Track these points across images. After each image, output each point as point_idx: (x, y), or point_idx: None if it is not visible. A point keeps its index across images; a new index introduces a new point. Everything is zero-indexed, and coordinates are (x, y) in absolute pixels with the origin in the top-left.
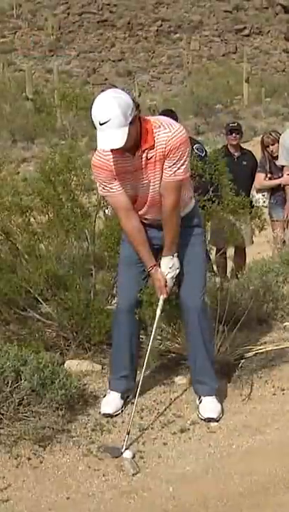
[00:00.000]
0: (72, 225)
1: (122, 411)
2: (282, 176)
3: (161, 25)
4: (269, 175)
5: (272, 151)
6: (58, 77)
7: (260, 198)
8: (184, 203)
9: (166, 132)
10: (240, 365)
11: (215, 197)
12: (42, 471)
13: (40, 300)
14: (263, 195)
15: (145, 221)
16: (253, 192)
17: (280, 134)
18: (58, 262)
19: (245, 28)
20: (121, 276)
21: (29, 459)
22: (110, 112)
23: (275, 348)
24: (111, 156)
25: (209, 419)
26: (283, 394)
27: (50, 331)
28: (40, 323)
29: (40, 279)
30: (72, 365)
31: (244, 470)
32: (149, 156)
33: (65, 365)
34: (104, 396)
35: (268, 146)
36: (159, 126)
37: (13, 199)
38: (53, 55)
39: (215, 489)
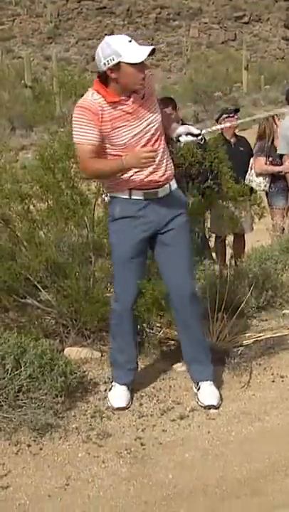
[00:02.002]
0: (71, 212)
1: (131, 402)
2: (281, 163)
3: (160, 12)
4: (270, 159)
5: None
6: (56, 65)
7: (261, 182)
8: (168, 166)
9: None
10: (239, 353)
11: (215, 184)
12: (41, 457)
13: (40, 287)
14: (265, 179)
15: (140, 184)
16: (252, 176)
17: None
18: (57, 249)
19: (244, 15)
20: (118, 277)
21: (29, 445)
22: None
23: (274, 335)
24: (104, 103)
25: (210, 407)
26: (282, 381)
27: (49, 318)
28: (39, 311)
29: (40, 267)
30: (72, 352)
31: (243, 457)
32: (143, 95)
33: (65, 352)
34: (107, 389)
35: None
36: None
37: (13, 186)
38: (51, 43)
39: (214, 476)
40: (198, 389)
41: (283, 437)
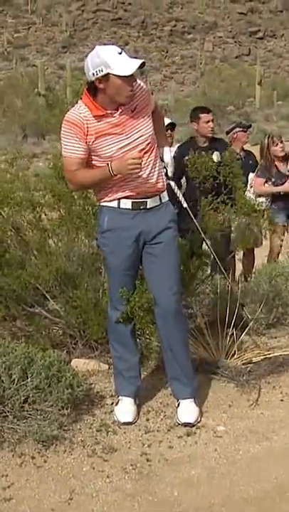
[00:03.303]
0: (83, 222)
1: (138, 416)
2: (284, 182)
3: (175, 25)
4: (269, 182)
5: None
6: (70, 74)
7: (263, 202)
8: (159, 178)
9: (139, 83)
10: (248, 370)
11: (229, 199)
12: (46, 470)
13: (48, 297)
14: (267, 199)
15: (129, 193)
16: (251, 195)
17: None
18: (67, 259)
19: (259, 30)
20: (114, 289)
21: (33, 457)
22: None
23: (284, 353)
24: (90, 116)
25: (186, 424)
26: None
27: (57, 328)
28: (47, 321)
29: (50, 276)
30: (79, 364)
31: (250, 476)
32: (133, 107)
33: (72, 363)
34: (114, 403)
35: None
36: None
37: (25, 194)
38: (66, 52)
39: (220, 495)
40: (178, 406)
41: None
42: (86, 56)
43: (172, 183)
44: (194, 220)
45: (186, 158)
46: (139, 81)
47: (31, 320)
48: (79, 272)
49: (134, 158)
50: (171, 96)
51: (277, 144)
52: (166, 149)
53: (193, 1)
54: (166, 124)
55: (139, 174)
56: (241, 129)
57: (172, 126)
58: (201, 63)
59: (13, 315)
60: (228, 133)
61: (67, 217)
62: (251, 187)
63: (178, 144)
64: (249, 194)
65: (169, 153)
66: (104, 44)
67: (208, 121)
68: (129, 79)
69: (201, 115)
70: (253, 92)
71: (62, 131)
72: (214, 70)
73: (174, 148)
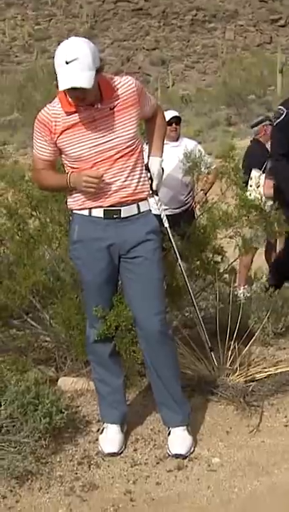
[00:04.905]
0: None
1: (124, 446)
2: None
3: (196, 14)
4: None
5: None
6: None
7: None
8: (139, 186)
9: (126, 81)
10: (250, 389)
11: None
12: None
13: (40, 308)
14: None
15: (102, 200)
16: (257, 194)
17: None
18: (55, 271)
19: (280, 18)
20: (90, 305)
21: (4, 497)
22: (79, 50)
23: None
24: (60, 111)
25: (177, 456)
26: None
27: (46, 342)
28: (36, 334)
29: (26, 292)
30: (66, 382)
31: None
32: (113, 105)
33: (59, 382)
34: (100, 429)
35: None
36: (112, 79)
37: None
38: None
39: None
40: (169, 434)
41: None
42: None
43: (156, 198)
44: (172, 242)
45: None
46: (127, 78)
47: (16, 335)
48: (68, 283)
49: (90, 176)
50: (193, 86)
51: None
52: (156, 160)
53: None
54: (171, 117)
55: (113, 180)
56: (270, 123)
57: (177, 119)
58: (222, 52)
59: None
60: (253, 126)
61: (47, 225)
62: (258, 186)
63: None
64: (255, 194)
65: (157, 165)
66: (126, 35)
67: None
68: (71, 91)
69: None
70: (275, 81)
71: (34, 129)
72: (235, 58)
73: (183, 142)
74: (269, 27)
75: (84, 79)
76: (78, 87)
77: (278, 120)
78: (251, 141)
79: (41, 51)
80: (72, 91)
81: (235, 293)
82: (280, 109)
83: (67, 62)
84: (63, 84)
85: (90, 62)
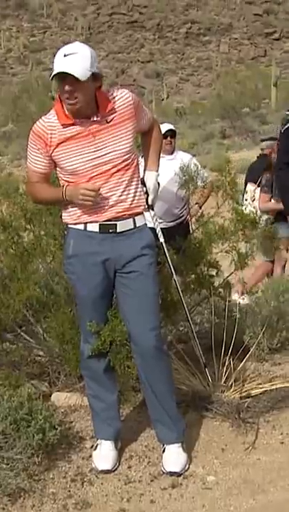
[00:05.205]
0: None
1: (118, 463)
2: None
3: (190, 27)
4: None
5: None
6: None
7: (268, 219)
8: (135, 200)
9: (123, 94)
10: (245, 406)
11: None
12: None
13: (33, 321)
14: (269, 218)
15: (97, 215)
16: (252, 208)
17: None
18: (48, 284)
19: (275, 31)
20: (84, 320)
21: None
22: (80, 48)
23: (287, 385)
24: (56, 124)
25: (172, 473)
26: None
27: (39, 356)
28: (29, 348)
29: (19, 306)
30: (60, 398)
31: None
32: (109, 119)
33: (52, 397)
34: (93, 445)
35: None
36: (109, 92)
37: None
38: None
39: None
40: (163, 451)
41: None
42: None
43: (151, 213)
44: (167, 257)
45: None
46: (123, 91)
47: (17, 343)
48: (62, 297)
49: (87, 189)
50: (187, 98)
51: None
52: (152, 174)
53: (208, 3)
54: (166, 130)
55: (109, 195)
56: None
57: (172, 133)
58: (216, 65)
59: None
60: (262, 140)
61: (42, 238)
62: (253, 200)
63: (180, 151)
64: (250, 207)
65: (153, 179)
66: (121, 48)
67: None
68: (64, 81)
69: None
70: (269, 94)
71: (28, 141)
72: (230, 71)
73: (178, 155)
74: (263, 40)
75: (78, 68)
76: (69, 73)
77: (286, 126)
78: (258, 157)
79: (36, 63)
80: (64, 83)
81: (239, 301)
82: (288, 114)
83: (65, 55)
84: (56, 70)
85: (87, 59)
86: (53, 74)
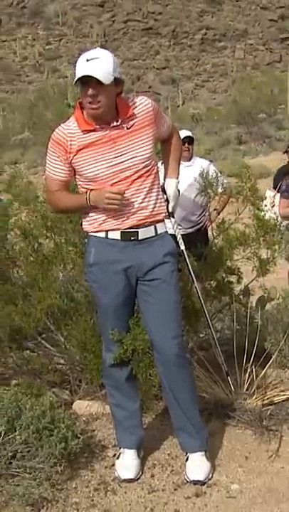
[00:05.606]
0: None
1: (141, 472)
2: None
3: (206, 33)
4: None
5: None
6: None
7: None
8: (156, 207)
9: (143, 101)
10: (268, 413)
11: None
12: None
13: (53, 329)
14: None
15: (119, 222)
16: (272, 214)
17: None
18: (69, 292)
19: None
20: (106, 329)
21: None
22: (102, 54)
23: None
24: (76, 130)
25: (195, 482)
26: None
27: (60, 364)
28: (50, 356)
29: (41, 314)
30: (81, 406)
31: None
32: (129, 125)
33: (74, 405)
34: (116, 454)
35: None
36: (128, 98)
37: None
38: None
39: None
40: (187, 460)
41: None
42: None
43: (172, 220)
44: (188, 264)
45: None
46: (143, 98)
47: (30, 357)
48: (83, 304)
49: (113, 192)
50: (203, 104)
51: None
52: (172, 181)
53: (223, 9)
54: (184, 136)
55: (130, 202)
56: None
57: (190, 139)
58: (232, 71)
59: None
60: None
61: (62, 246)
62: (273, 206)
63: (198, 157)
64: (270, 213)
65: (174, 187)
66: (136, 54)
67: None
68: (87, 86)
69: None
70: (285, 99)
71: (48, 149)
72: (245, 77)
73: (196, 161)
74: (279, 46)
75: (101, 72)
76: (93, 76)
77: None
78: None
79: (52, 70)
80: (87, 87)
81: None
82: None
83: (88, 60)
84: (79, 74)
85: (110, 64)
86: (76, 78)
